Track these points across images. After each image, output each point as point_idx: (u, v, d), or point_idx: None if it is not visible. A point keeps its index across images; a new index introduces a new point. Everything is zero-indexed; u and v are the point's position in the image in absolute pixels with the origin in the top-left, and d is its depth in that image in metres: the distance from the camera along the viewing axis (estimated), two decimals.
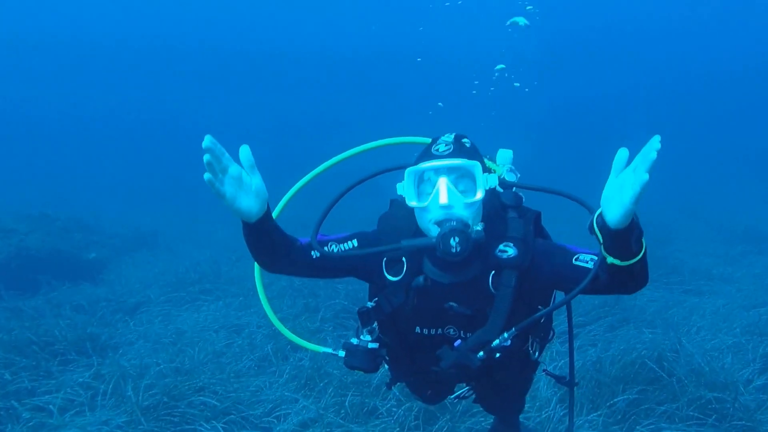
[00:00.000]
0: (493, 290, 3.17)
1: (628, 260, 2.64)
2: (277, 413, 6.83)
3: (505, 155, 3.67)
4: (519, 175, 3.60)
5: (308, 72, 53.02)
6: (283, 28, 51.98)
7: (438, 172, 2.99)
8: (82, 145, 43.62)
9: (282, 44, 52.81)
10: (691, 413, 6.36)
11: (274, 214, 3.31)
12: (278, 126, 47.67)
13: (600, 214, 2.62)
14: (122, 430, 6.40)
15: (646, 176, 2.34)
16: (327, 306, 9.71)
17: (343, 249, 3.31)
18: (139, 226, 18.81)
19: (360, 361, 3.34)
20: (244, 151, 2.76)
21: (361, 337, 3.39)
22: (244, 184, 2.78)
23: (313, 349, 3.93)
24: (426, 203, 2.99)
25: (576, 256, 3.07)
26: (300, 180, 3.68)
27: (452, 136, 3.11)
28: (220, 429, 6.36)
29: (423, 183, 3.07)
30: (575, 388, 3.85)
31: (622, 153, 2.50)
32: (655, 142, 2.37)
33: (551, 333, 3.69)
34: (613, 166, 2.54)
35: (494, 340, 3.13)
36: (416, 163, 3.11)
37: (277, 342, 8.54)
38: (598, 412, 6.45)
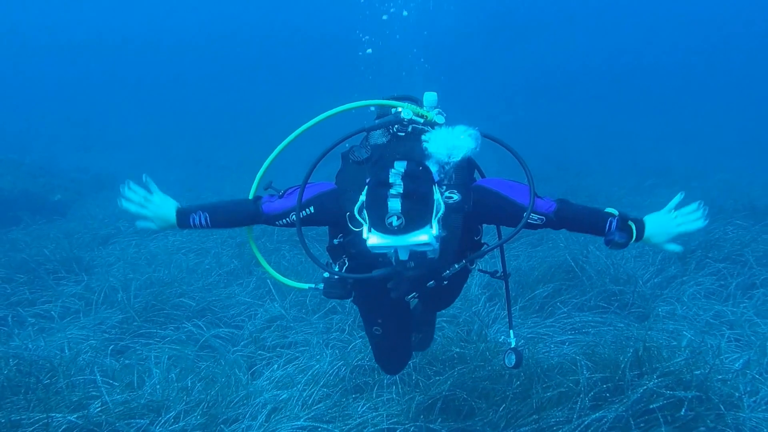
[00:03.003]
0: (443, 231, 3.41)
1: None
2: (248, 313, 7.72)
3: (430, 98, 3.79)
4: (446, 115, 3.74)
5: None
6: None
7: (392, 248, 3.18)
8: (33, 91, 43.33)
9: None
10: (598, 303, 7.41)
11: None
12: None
13: (640, 226, 3.45)
14: (117, 329, 7.26)
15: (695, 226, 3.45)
16: (282, 229, 10.47)
17: (303, 215, 3.63)
18: (96, 170, 19.29)
19: (335, 290, 3.82)
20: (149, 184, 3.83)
21: (332, 270, 3.83)
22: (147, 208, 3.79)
23: (297, 286, 4.25)
24: (383, 251, 3.26)
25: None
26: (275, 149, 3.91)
27: (399, 194, 3.07)
28: (201, 325, 7.24)
29: (381, 250, 3.23)
30: (509, 279, 4.53)
31: (679, 197, 3.45)
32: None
33: (485, 246, 4.01)
34: (667, 207, 3.47)
35: (446, 271, 3.56)
36: (371, 222, 3.17)
37: (242, 260, 9.40)
38: (519, 305, 7.46)
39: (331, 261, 3.93)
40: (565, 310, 7.26)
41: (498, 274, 4.32)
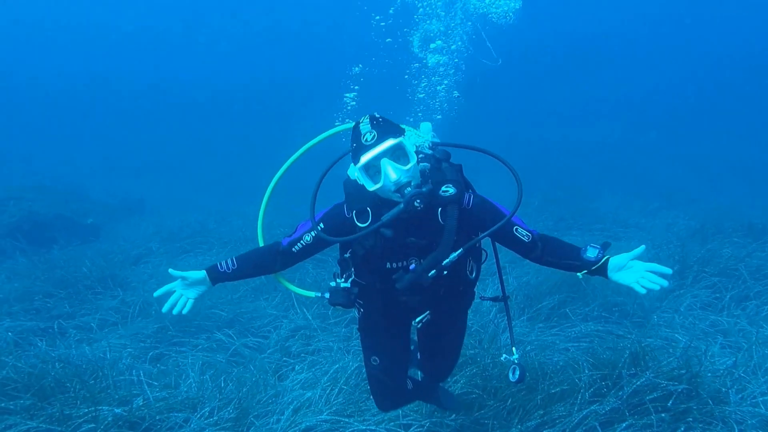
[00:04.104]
0: (442, 222, 3.78)
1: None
2: (274, 324, 8.09)
3: (426, 126, 4.29)
4: (439, 139, 4.19)
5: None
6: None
7: (377, 158, 3.57)
8: (61, 120, 44.20)
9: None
10: (601, 313, 7.75)
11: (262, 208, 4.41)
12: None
13: (603, 261, 3.69)
14: (152, 338, 7.67)
15: (657, 287, 3.52)
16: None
17: (314, 233, 3.94)
18: (126, 195, 19.83)
19: (339, 298, 4.06)
20: (172, 272, 4.06)
21: (338, 280, 4.13)
22: (187, 285, 4.07)
23: (306, 294, 4.54)
24: (381, 183, 3.58)
25: (516, 228, 3.82)
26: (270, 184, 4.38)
27: (368, 121, 3.65)
28: (232, 334, 7.64)
29: (371, 169, 3.62)
30: (509, 301, 4.70)
31: (641, 249, 3.60)
32: (668, 275, 3.54)
33: (484, 255, 4.39)
34: (632, 252, 3.59)
35: (445, 259, 3.74)
36: (357, 157, 3.64)
37: (267, 276, 9.77)
38: (527, 316, 7.81)
39: (338, 271, 4.17)
40: (571, 319, 7.59)
41: (499, 298, 4.58)
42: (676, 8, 45.23)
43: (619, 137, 30.28)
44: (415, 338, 5.02)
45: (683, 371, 5.42)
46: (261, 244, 4.42)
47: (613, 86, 45.92)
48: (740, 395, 5.55)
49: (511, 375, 4.21)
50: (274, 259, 4.12)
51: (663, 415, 4.99)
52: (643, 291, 3.55)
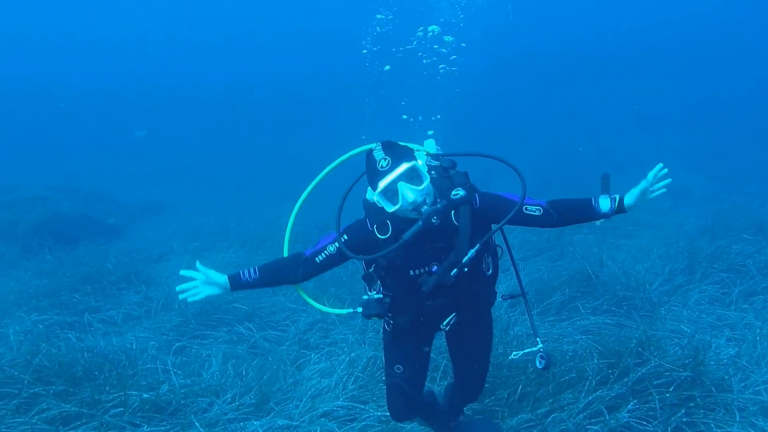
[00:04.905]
0: (456, 223, 3.95)
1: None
2: (293, 318, 8.30)
3: (430, 143, 4.47)
4: (442, 151, 4.37)
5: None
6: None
7: (394, 182, 3.70)
8: (86, 124, 44.77)
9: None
10: (610, 308, 7.87)
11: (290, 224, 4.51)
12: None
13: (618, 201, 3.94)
14: (175, 331, 7.89)
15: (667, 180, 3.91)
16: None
17: (338, 244, 4.05)
18: (147, 197, 20.17)
19: (373, 309, 4.10)
20: (199, 266, 4.14)
21: (369, 293, 4.18)
22: (208, 281, 4.19)
23: (338, 312, 4.68)
24: (400, 204, 3.72)
25: (525, 207, 3.98)
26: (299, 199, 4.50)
27: (380, 148, 3.80)
28: (252, 327, 7.85)
29: (388, 192, 3.74)
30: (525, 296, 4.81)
31: (649, 176, 3.89)
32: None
33: (500, 251, 4.49)
34: (638, 186, 3.90)
35: (464, 257, 3.90)
36: (374, 183, 3.77)
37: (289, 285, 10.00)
38: (538, 310, 7.97)
39: (366, 286, 4.29)
40: (580, 312, 7.72)
41: (518, 295, 4.74)
42: (683, 13, 45.15)
43: (630, 139, 30.25)
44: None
45: (688, 360, 5.57)
46: (285, 254, 4.49)
47: (624, 89, 45.83)
48: (743, 383, 5.69)
49: (538, 362, 4.34)
50: (296, 268, 4.20)
51: (667, 395, 5.16)
52: (664, 189, 3.98)
